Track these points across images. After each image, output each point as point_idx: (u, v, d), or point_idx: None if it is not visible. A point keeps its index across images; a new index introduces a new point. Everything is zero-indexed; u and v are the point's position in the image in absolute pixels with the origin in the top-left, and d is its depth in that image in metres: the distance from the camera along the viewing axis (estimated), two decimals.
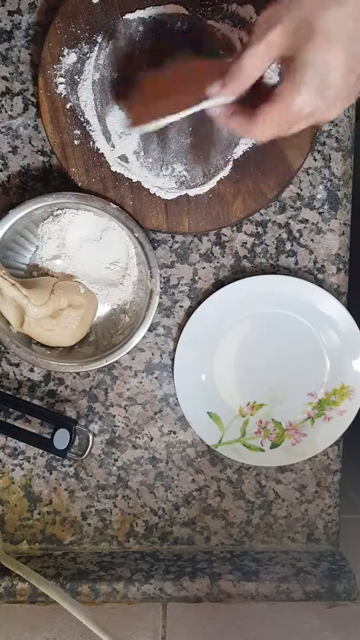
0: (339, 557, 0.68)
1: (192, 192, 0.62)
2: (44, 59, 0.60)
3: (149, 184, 0.62)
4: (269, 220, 0.66)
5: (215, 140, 0.62)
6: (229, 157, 0.62)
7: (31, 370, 0.67)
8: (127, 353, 0.62)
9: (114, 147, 0.62)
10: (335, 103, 0.44)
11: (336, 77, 0.42)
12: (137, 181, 0.62)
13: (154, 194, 0.62)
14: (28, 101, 0.64)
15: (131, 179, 0.62)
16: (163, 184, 0.62)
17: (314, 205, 0.66)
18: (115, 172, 0.62)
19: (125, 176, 0.62)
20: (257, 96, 0.47)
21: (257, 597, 0.65)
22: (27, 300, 0.58)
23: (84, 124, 0.61)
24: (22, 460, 0.68)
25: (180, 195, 0.62)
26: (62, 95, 0.61)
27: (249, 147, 0.62)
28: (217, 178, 0.62)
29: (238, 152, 0.62)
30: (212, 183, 0.62)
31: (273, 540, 0.69)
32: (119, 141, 0.62)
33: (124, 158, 0.62)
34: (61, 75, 0.61)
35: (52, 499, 0.68)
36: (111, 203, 0.61)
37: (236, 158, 0.62)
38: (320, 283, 0.66)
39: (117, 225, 0.62)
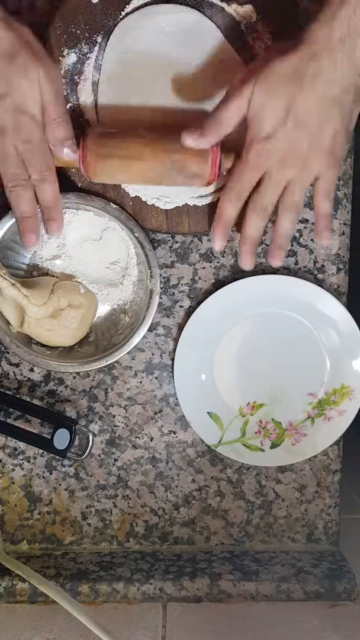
0: (339, 557, 0.68)
1: (191, 202, 0.62)
2: None
3: (147, 197, 0.62)
4: (269, 220, 0.66)
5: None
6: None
7: (31, 370, 0.67)
8: (127, 353, 0.62)
9: None
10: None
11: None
12: (136, 196, 0.62)
13: (153, 204, 0.62)
14: None
15: (129, 193, 0.62)
16: (161, 197, 0.62)
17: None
18: None
19: (122, 187, 0.62)
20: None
21: (257, 597, 0.65)
22: (27, 300, 0.58)
23: (84, 124, 0.61)
24: (22, 460, 0.68)
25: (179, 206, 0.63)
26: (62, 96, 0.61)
27: None
28: (219, 194, 0.62)
29: None
30: (212, 197, 0.62)
31: (273, 540, 0.69)
32: None
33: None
34: (61, 76, 0.60)
35: (52, 499, 0.68)
36: (111, 203, 0.61)
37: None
38: (320, 283, 0.66)
39: (117, 225, 0.62)
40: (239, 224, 0.57)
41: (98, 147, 0.56)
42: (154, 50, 0.60)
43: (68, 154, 0.55)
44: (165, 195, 0.62)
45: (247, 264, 0.57)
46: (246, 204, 0.55)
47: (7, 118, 0.51)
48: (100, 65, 0.61)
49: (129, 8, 0.60)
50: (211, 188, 0.61)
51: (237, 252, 0.66)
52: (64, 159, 0.56)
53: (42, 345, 0.63)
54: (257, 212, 0.54)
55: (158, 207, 0.62)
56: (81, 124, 0.61)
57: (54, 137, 0.54)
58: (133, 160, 0.56)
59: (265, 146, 0.51)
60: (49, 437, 0.63)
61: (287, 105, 0.49)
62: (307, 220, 0.66)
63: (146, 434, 0.68)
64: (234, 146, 0.55)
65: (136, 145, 0.56)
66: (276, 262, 0.57)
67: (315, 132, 0.50)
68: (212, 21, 0.60)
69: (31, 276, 0.64)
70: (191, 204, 0.62)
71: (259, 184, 0.53)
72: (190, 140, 0.53)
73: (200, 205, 0.62)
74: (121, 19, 0.60)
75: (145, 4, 0.60)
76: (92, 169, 0.57)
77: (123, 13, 0.60)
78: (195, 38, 0.60)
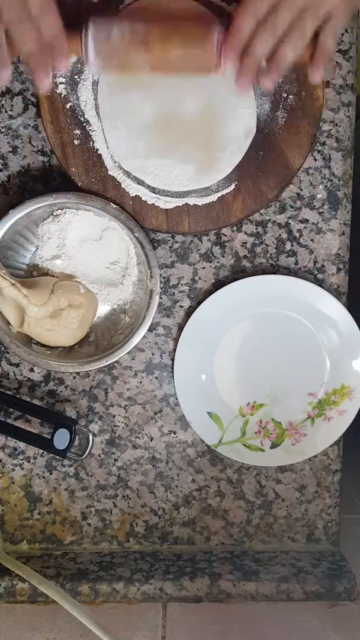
0: (339, 557, 0.68)
1: (191, 202, 0.62)
2: None
3: (147, 196, 0.62)
4: (269, 220, 0.66)
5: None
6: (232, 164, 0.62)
7: (31, 370, 0.67)
8: (127, 353, 0.62)
9: (109, 148, 0.62)
10: None
11: None
12: (136, 195, 0.62)
13: (153, 203, 0.62)
14: (28, 101, 0.64)
15: (129, 192, 0.62)
16: (161, 197, 0.62)
17: (314, 205, 0.66)
18: (114, 176, 0.62)
19: (122, 187, 0.62)
20: None
21: (257, 597, 0.65)
22: (27, 300, 0.58)
23: (84, 124, 0.61)
24: (22, 460, 0.68)
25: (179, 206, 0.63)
26: (62, 95, 0.61)
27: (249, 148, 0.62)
28: (219, 194, 0.63)
29: (237, 159, 0.62)
30: (212, 197, 0.62)
31: (273, 540, 0.69)
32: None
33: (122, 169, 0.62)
34: (61, 75, 0.60)
35: (52, 499, 0.68)
36: (111, 203, 0.61)
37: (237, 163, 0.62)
38: (320, 283, 0.66)
39: (117, 225, 0.62)
40: None
41: (100, 32, 0.53)
42: None
43: None
44: (163, 187, 0.62)
45: (242, 82, 0.54)
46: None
47: None
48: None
49: (128, 0, 0.60)
50: (209, 180, 0.61)
51: (237, 252, 0.67)
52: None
53: (42, 345, 0.63)
54: (267, 31, 0.52)
55: (158, 206, 0.62)
56: (81, 124, 0.61)
57: None
58: (138, 44, 0.53)
59: None
60: (49, 437, 0.63)
61: None
62: (307, 220, 0.66)
63: (146, 434, 0.68)
64: None
65: (140, 28, 0.53)
66: (267, 84, 0.54)
67: None
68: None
69: (31, 276, 0.64)
70: (191, 204, 0.62)
71: (272, 9, 0.51)
72: (242, 85, 0.53)
73: (200, 204, 0.62)
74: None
75: None
76: (94, 54, 0.53)
77: (121, 8, 0.60)
78: None
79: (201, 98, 0.61)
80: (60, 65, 0.53)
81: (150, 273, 0.62)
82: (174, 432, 0.68)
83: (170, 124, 0.61)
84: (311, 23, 0.52)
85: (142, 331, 0.62)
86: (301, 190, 0.66)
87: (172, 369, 0.66)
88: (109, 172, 0.62)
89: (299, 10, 0.51)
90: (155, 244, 0.66)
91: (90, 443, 0.64)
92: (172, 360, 0.67)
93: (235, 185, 0.62)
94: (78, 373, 0.67)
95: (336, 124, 0.65)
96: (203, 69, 0.55)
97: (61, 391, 0.67)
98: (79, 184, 0.62)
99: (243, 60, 0.53)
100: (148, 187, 0.62)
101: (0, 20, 0.50)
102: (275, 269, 0.67)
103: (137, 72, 0.56)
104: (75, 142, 0.61)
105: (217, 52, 0.53)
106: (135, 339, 0.61)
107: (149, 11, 0.59)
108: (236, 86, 0.53)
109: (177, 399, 0.67)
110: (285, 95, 0.61)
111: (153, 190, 0.62)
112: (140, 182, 0.62)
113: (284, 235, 0.66)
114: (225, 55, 0.53)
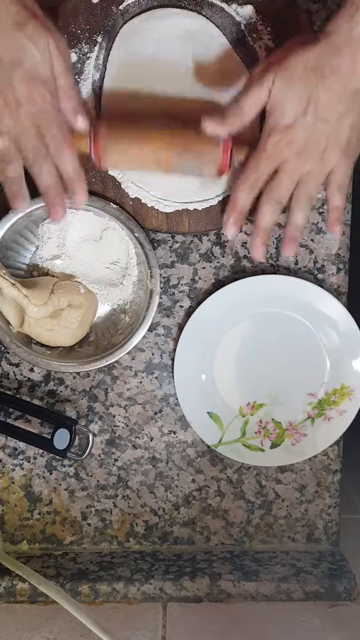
0: (339, 557, 0.68)
1: (191, 207, 0.62)
2: None
3: (146, 199, 0.62)
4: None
5: None
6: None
7: (31, 370, 0.67)
8: (127, 353, 0.62)
9: None
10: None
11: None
12: (136, 197, 0.62)
13: (152, 206, 0.62)
14: None
15: (128, 193, 0.62)
16: (160, 200, 0.62)
17: (314, 205, 0.66)
18: (114, 176, 0.62)
19: (122, 187, 0.62)
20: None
21: (257, 597, 0.65)
22: (27, 300, 0.58)
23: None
24: (22, 460, 0.68)
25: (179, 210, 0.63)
26: None
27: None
28: (220, 197, 0.62)
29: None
30: (213, 201, 0.62)
31: (273, 540, 0.69)
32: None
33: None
34: None
35: (52, 499, 0.68)
36: (111, 203, 0.61)
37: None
38: (320, 283, 0.66)
39: (117, 225, 0.62)
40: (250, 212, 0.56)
41: (108, 129, 0.55)
42: (158, 54, 0.60)
43: (81, 122, 0.54)
44: (165, 198, 0.62)
45: (259, 254, 0.57)
46: (259, 197, 0.55)
47: (21, 88, 0.50)
48: (100, 65, 0.61)
49: (128, 0, 0.60)
50: (212, 193, 0.61)
51: (237, 252, 0.67)
52: (77, 131, 0.55)
53: (42, 345, 0.63)
54: (271, 204, 0.54)
55: (158, 209, 0.62)
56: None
57: (66, 108, 0.53)
58: (144, 144, 0.55)
59: (285, 137, 0.51)
60: (49, 437, 0.63)
61: (308, 96, 0.49)
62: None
63: (146, 434, 0.68)
64: (246, 140, 0.55)
65: (147, 127, 0.55)
66: (289, 252, 0.57)
67: (334, 125, 0.50)
68: (214, 23, 0.60)
69: (31, 276, 0.64)
70: (191, 209, 0.62)
71: (273, 175, 0.53)
72: (211, 125, 0.53)
73: (200, 209, 0.62)
74: (125, 22, 0.60)
75: (150, 8, 0.60)
76: (101, 153, 0.55)
77: (121, 8, 0.60)
78: (199, 42, 0.60)
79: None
80: (78, 203, 0.56)
81: (150, 273, 0.62)
82: (174, 432, 0.68)
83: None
84: (315, 186, 0.53)
85: (142, 331, 0.62)
86: None
87: (172, 369, 0.66)
88: (109, 172, 0.62)
89: (300, 178, 0.53)
90: (155, 244, 0.66)
91: (90, 443, 0.64)
92: (172, 360, 0.67)
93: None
94: (78, 373, 0.67)
95: None
96: (211, 177, 0.58)
97: (61, 391, 0.67)
98: None
99: (255, 239, 0.56)
100: (148, 191, 0.62)
101: (20, 154, 0.52)
102: (275, 269, 0.67)
103: (145, 169, 0.59)
104: None
105: (224, 162, 0.56)
106: (135, 339, 0.61)
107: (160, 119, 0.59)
108: (253, 257, 0.57)
109: (177, 399, 0.67)
110: None
111: (153, 193, 0.62)
112: (140, 186, 0.62)
113: None
114: (227, 220, 0.56)
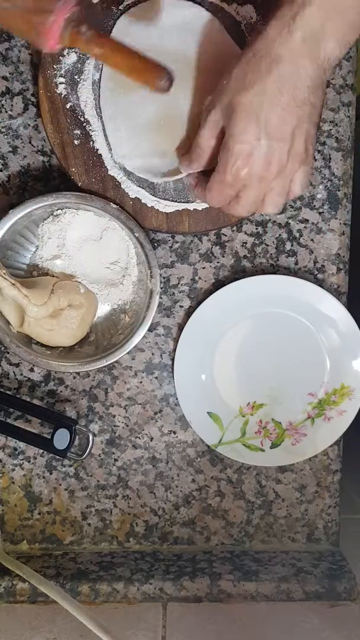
0: (339, 557, 0.68)
1: (191, 207, 0.62)
2: (44, 59, 0.60)
3: (146, 199, 0.62)
4: (269, 220, 0.66)
5: None
6: None
7: (31, 370, 0.67)
8: (127, 353, 0.62)
9: (112, 149, 0.62)
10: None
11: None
12: (136, 197, 0.62)
13: (152, 206, 0.62)
14: (28, 101, 0.64)
15: (129, 193, 0.62)
16: (160, 200, 0.62)
17: (314, 205, 0.66)
18: (114, 176, 0.62)
19: (122, 187, 0.62)
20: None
21: (257, 597, 0.65)
22: (27, 300, 0.58)
23: (84, 124, 0.61)
24: (22, 460, 0.68)
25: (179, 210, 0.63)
26: (62, 95, 0.61)
27: None
28: None
29: None
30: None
31: (273, 540, 0.69)
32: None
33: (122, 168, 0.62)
34: (61, 75, 0.60)
35: (52, 499, 0.68)
36: (111, 203, 0.61)
37: None
38: (320, 283, 0.66)
39: (117, 225, 0.62)
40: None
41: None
42: (155, 46, 0.60)
43: None
44: (165, 198, 0.62)
45: (214, 206, 0.56)
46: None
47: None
48: (100, 64, 0.61)
49: (128, 0, 0.60)
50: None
51: (237, 252, 0.67)
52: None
53: (42, 345, 0.63)
54: (235, 211, 0.55)
55: (158, 209, 0.62)
56: (81, 124, 0.61)
57: None
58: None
59: (242, 169, 0.50)
60: (49, 437, 0.63)
61: (257, 123, 0.48)
62: (307, 220, 0.66)
63: (146, 434, 0.68)
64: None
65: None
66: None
67: (289, 141, 0.49)
68: (212, 14, 0.60)
69: (31, 276, 0.64)
70: (191, 209, 0.62)
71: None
72: (184, 168, 0.58)
73: (200, 209, 0.62)
74: (121, 14, 0.60)
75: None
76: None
77: (121, 8, 0.60)
78: (196, 32, 0.60)
79: (200, 97, 0.61)
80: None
81: (150, 273, 0.62)
82: (174, 432, 0.68)
83: (175, 124, 0.61)
84: (279, 196, 0.53)
85: (142, 331, 0.62)
86: None
87: (172, 369, 0.66)
88: (109, 172, 0.62)
89: (265, 192, 0.52)
90: (155, 244, 0.66)
91: (90, 443, 0.64)
92: (172, 360, 0.67)
93: None
94: (78, 373, 0.67)
95: (336, 124, 0.65)
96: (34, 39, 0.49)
97: (61, 391, 0.67)
98: (79, 184, 0.62)
99: (230, 204, 0.54)
100: (148, 189, 0.62)
101: None
102: (275, 269, 0.67)
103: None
104: (75, 142, 0.61)
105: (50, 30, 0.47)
106: (135, 339, 0.61)
107: None
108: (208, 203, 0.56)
109: (177, 399, 0.67)
110: None
111: (153, 193, 0.62)
112: (140, 185, 0.62)
113: (284, 235, 0.66)
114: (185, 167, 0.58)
